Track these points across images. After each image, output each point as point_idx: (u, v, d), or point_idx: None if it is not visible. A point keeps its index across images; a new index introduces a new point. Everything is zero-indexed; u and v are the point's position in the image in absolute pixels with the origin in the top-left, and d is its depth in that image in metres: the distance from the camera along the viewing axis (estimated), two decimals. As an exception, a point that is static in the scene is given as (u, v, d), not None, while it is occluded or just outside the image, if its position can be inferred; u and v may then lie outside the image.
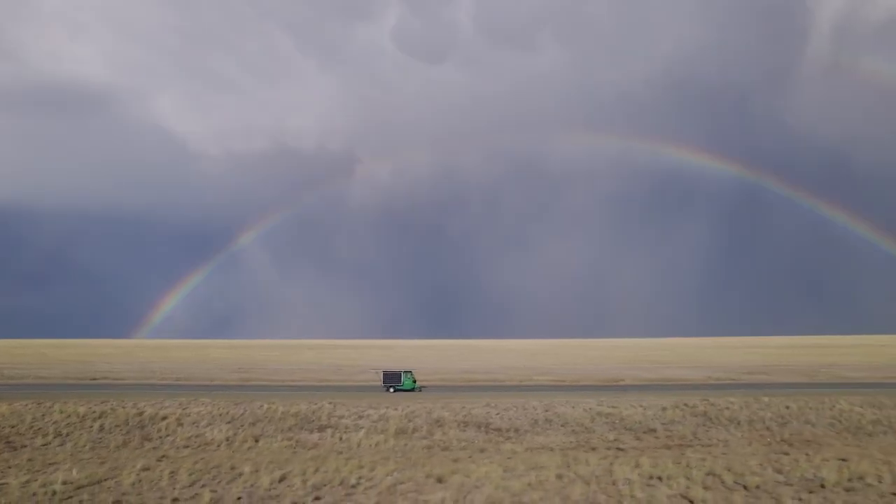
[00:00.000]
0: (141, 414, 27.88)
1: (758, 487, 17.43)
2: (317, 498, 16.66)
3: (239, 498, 16.66)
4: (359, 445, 24.46)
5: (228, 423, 27.47)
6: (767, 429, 26.94)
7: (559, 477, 18.29)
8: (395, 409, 29.07)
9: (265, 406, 29.67)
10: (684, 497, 16.12)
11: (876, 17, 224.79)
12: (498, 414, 28.67)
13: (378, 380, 44.75)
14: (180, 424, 26.96)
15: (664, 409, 29.35)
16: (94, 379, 50.63)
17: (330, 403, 30.42)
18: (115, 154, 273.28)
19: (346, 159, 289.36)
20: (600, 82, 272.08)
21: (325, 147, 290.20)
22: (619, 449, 23.71)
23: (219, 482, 18.33)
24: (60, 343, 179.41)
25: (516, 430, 26.63)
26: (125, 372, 58.07)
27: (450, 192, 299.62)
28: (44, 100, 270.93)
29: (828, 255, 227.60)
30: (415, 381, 42.40)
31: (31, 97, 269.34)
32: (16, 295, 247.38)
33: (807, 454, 22.47)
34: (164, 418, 27.56)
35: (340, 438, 25.46)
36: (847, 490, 17.24)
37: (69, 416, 27.29)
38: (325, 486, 17.85)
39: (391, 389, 40.74)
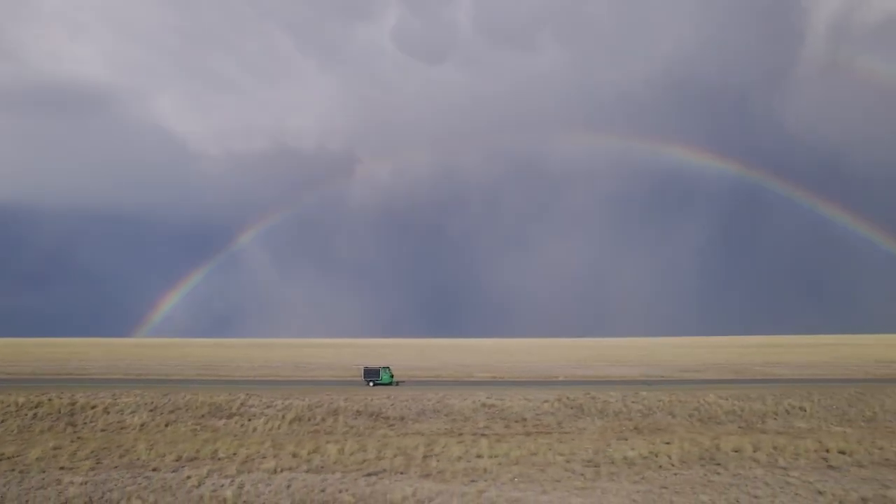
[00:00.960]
0: (73, 404, 31.82)
1: (611, 463, 21.11)
2: (182, 466, 20.50)
3: (116, 466, 20.53)
4: (254, 430, 28.36)
5: (150, 410, 31.39)
6: (629, 419, 30.63)
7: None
8: (302, 401, 32.88)
9: (188, 397, 33.57)
10: (498, 462, 19.87)
11: (872, 19, 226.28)
12: (393, 404, 32.43)
13: (359, 375, 48.67)
14: (106, 412, 30.90)
15: (545, 401, 33.05)
16: (59, 374, 54.70)
17: (246, 395, 34.27)
18: (115, 154, 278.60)
19: (346, 159, 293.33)
20: (600, 82, 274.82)
21: (324, 147, 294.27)
22: (483, 435, 27.41)
23: (111, 456, 22.22)
24: (58, 342, 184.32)
25: (401, 419, 30.44)
26: (93, 369, 62.18)
27: (450, 192, 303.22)
28: (44, 100, 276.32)
29: (827, 254, 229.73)
30: (392, 376, 46.25)
31: (31, 97, 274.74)
32: (16, 294, 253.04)
33: (644, 439, 26.12)
34: (93, 407, 31.51)
35: (242, 424, 29.36)
36: (637, 463, 20.97)
37: (8, 405, 31.26)
38: (196, 459, 21.71)
39: (371, 383, 44.56)
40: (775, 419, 30.88)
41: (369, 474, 19.31)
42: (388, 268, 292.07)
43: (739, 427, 29.60)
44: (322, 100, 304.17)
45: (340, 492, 16.99)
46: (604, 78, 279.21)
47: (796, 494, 17.18)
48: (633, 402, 33.32)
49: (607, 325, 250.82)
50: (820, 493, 17.31)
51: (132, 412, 31.00)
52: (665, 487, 18.25)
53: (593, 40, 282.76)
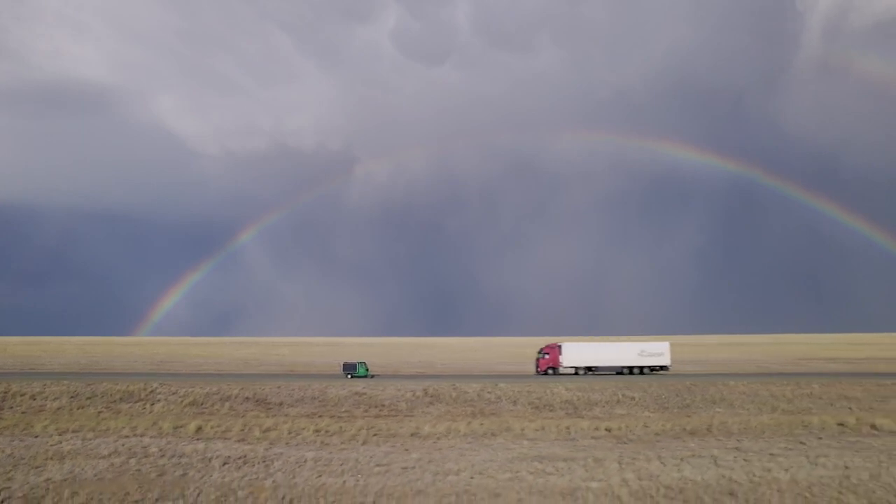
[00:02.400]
0: (7, 391, 38.27)
1: (394, 436, 27.16)
2: (60, 434, 26.80)
3: (10, 436, 26.89)
4: (150, 412, 34.67)
5: (71, 397, 37.83)
6: (472, 405, 36.73)
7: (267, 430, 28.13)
8: (203, 389, 39.20)
9: (107, 386, 39.98)
10: (317, 433, 26.09)
11: (866, 22, 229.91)
12: (279, 393, 38.69)
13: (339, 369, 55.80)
14: (32, 398, 37.37)
15: (412, 391, 39.17)
16: (23, 369, 61.45)
17: (159, 384, 40.64)
18: (115, 153, 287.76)
19: (345, 159, 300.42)
20: (597, 83, 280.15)
21: (324, 146, 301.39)
22: (338, 417, 33.56)
23: (13, 430, 28.56)
24: (55, 340, 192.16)
25: (280, 404, 36.70)
26: (54, 364, 69.01)
27: (448, 192, 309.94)
28: (45, 99, 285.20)
29: (826, 253, 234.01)
30: (367, 370, 52.72)
31: (32, 97, 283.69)
32: (16, 294, 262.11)
33: (470, 420, 32.09)
34: (23, 395, 37.96)
35: (143, 407, 35.74)
36: (441, 436, 27.08)
37: (-50, 391, 37.76)
38: (79, 431, 28.02)
39: (349, 376, 50.96)
40: (602, 407, 36.80)
41: (198, 439, 25.55)
42: (386, 267, 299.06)
43: (566, 413, 35.55)
44: (321, 100, 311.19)
45: (152, 447, 23.20)
46: (601, 78, 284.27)
47: (522, 452, 23.16)
48: (488, 392, 39.38)
49: (605, 323, 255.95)
50: (520, 454, 23.30)
51: (55, 398, 37.43)
52: (440, 450, 24.14)
53: (590, 42, 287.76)
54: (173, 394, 38.69)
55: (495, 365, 72.68)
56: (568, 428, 29.37)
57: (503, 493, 17.16)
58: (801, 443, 25.28)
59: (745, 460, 21.49)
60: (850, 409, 36.02)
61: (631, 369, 54.31)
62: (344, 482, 18.23)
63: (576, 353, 54.79)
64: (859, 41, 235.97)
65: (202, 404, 36.62)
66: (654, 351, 55.26)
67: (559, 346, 54.88)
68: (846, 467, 20.09)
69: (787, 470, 19.67)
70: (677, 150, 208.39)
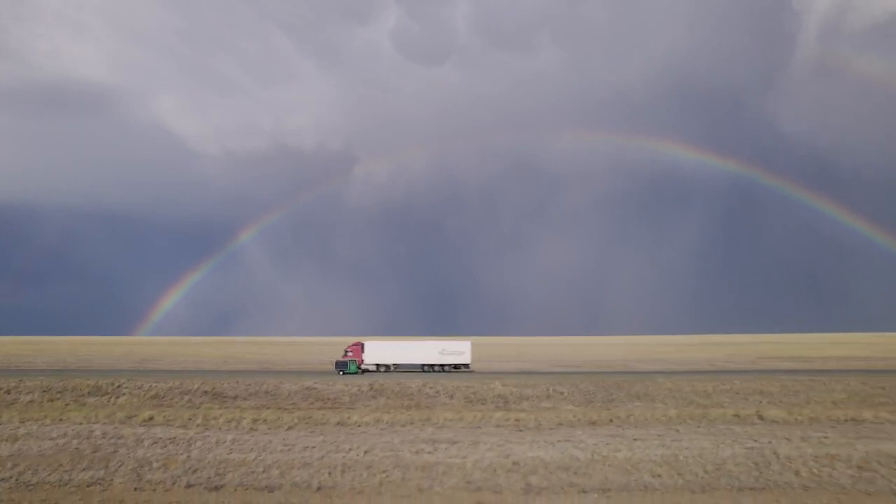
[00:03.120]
0: (-14, 385, 42.00)
1: (323, 424, 30.71)
2: (23, 422, 30.44)
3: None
4: (114, 404, 38.31)
5: (43, 391, 41.58)
6: (411, 399, 40.16)
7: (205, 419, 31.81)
8: (166, 384, 42.84)
9: (78, 381, 43.70)
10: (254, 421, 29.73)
11: (863, 23, 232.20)
12: (235, 387, 42.29)
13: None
14: (7, 393, 41.11)
15: (359, 386, 42.69)
16: (8, 367, 65.41)
17: (127, 380, 44.32)
18: (115, 153, 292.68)
19: (345, 159, 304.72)
20: (596, 83, 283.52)
21: (324, 146, 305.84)
22: (283, 408, 37.12)
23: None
24: (50, 340, 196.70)
25: (234, 398, 40.25)
26: (39, 362, 73.04)
27: (448, 191, 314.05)
28: (45, 99, 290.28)
29: (825, 253, 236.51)
30: (358, 366, 57.00)
31: (32, 97, 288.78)
32: (17, 293, 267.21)
33: (404, 411, 35.57)
34: None
35: (108, 400, 39.39)
36: (370, 424, 30.60)
37: (-65, 385, 41.59)
38: (45, 419, 31.66)
39: (341, 372, 55.06)
40: (532, 401, 40.20)
41: (144, 426, 29.17)
42: (386, 266, 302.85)
43: (496, 406, 38.98)
44: (321, 100, 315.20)
45: (98, 431, 26.80)
46: (600, 78, 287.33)
47: (432, 440, 26.65)
48: (430, 387, 42.86)
49: (605, 323, 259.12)
50: (417, 437, 26.77)
51: (28, 393, 41.17)
52: (351, 435, 27.65)
53: (590, 42, 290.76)
54: (138, 388, 42.35)
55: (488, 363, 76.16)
56: (482, 418, 32.84)
57: (374, 464, 20.69)
58: (677, 430, 28.67)
59: (609, 443, 24.91)
60: (759, 402, 39.28)
61: (432, 367, 57.57)
62: (245, 457, 21.80)
63: (378, 351, 58.42)
64: (856, 41, 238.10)
65: (163, 397, 40.26)
66: (454, 350, 58.30)
67: (362, 345, 58.57)
68: (687, 448, 23.49)
69: (632, 451, 23.09)
70: (677, 150, 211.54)
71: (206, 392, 41.67)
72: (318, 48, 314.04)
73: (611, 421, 32.49)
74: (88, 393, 41.49)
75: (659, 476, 19.56)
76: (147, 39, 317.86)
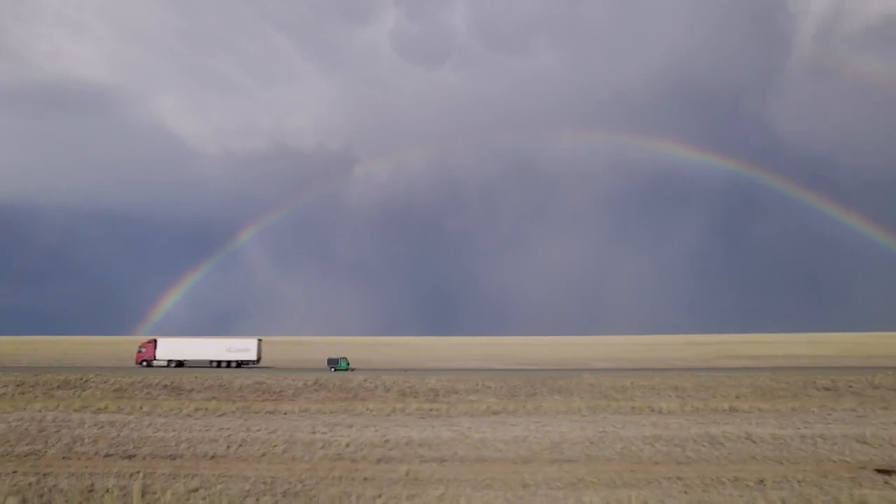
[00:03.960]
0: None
1: (256, 412, 34.91)
2: (-9, 411, 34.76)
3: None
4: (79, 396, 42.60)
5: (17, 385, 45.95)
6: (349, 392, 44.32)
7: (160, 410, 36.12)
8: (129, 379, 47.14)
9: (49, 377, 48.07)
10: (196, 410, 34.01)
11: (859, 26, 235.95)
12: (192, 381, 46.58)
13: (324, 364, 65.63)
14: (-14, 385, 45.41)
15: (304, 381, 46.92)
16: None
17: (95, 375, 48.67)
18: (115, 153, 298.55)
19: (345, 159, 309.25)
20: (594, 83, 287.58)
21: (324, 146, 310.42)
22: (229, 399, 41.35)
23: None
24: (45, 340, 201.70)
25: (190, 391, 44.52)
26: (25, 360, 77.68)
27: (447, 192, 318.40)
28: (45, 99, 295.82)
29: (824, 253, 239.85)
30: (348, 364, 62.27)
31: (32, 97, 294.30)
32: (17, 294, 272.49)
33: (339, 402, 39.73)
34: (-22, 382, 46.05)
35: (74, 393, 43.68)
36: (312, 411, 34.80)
37: (-81, 379, 46.03)
38: (10, 408, 35.98)
39: (333, 369, 60.15)
40: (460, 394, 44.30)
41: (94, 413, 33.42)
42: (386, 266, 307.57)
43: (427, 399, 43.09)
44: (321, 100, 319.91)
45: (49, 416, 31.08)
46: (598, 79, 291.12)
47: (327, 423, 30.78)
48: (369, 382, 47.06)
49: (605, 323, 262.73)
50: (324, 422, 30.93)
51: (3, 386, 45.55)
52: (270, 420, 31.85)
53: (587, 43, 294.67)
54: (104, 382, 46.72)
55: (452, 362, 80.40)
56: (403, 408, 37.01)
57: (269, 440, 24.88)
58: (569, 418, 32.76)
59: (491, 427, 29.02)
60: (668, 396, 43.29)
61: (219, 362, 63.97)
62: (165, 435, 26.04)
63: (170, 347, 64.06)
64: (850, 43, 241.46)
65: (125, 390, 44.59)
66: (241, 347, 65.11)
67: (155, 341, 64.47)
68: (550, 431, 27.61)
69: (497, 432, 27.22)
70: (677, 150, 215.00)
71: (165, 386, 45.98)
72: (318, 49, 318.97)
73: (516, 410, 36.61)
74: (58, 386, 45.85)
75: (500, 451, 23.67)
76: (147, 39, 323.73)
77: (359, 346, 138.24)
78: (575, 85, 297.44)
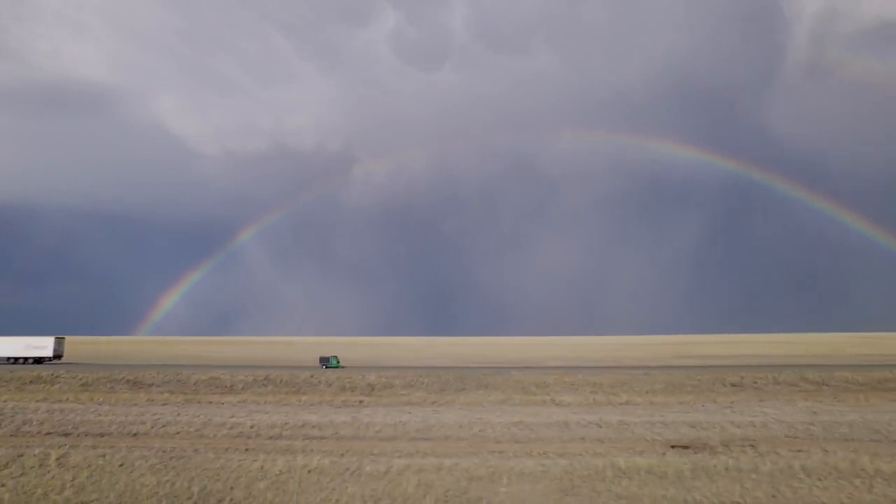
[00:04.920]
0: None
1: (198, 403, 39.65)
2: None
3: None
4: (49, 390, 47.43)
5: (-5, 380, 50.72)
6: (294, 386, 49.01)
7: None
8: (96, 374, 51.99)
9: (25, 373, 52.90)
10: (147, 401, 38.80)
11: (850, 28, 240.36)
12: (154, 377, 51.36)
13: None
14: (-35, 380, 50.33)
15: (255, 376, 51.68)
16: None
17: (65, 371, 53.54)
18: (115, 153, 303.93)
19: (344, 159, 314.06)
20: (593, 84, 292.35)
21: (323, 147, 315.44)
22: (181, 392, 46.11)
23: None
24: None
25: (150, 385, 49.31)
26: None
27: (446, 192, 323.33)
28: (45, 99, 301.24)
29: (823, 253, 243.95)
30: (339, 362, 68.08)
31: (32, 97, 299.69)
32: (17, 294, 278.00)
33: (284, 394, 44.42)
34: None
35: (44, 387, 48.54)
36: (218, 403, 39.54)
37: None
38: (-20, 399, 40.81)
39: (324, 367, 65.57)
40: (395, 388, 48.95)
41: (53, 403, 38.20)
42: (385, 266, 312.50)
43: (362, 392, 47.76)
44: (321, 100, 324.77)
45: (9, 406, 35.85)
46: (596, 79, 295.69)
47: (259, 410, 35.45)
48: (316, 378, 51.77)
49: (604, 323, 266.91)
50: (252, 409, 35.60)
51: (-18, 380, 50.44)
52: (206, 408, 36.52)
53: (586, 44, 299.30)
54: (73, 378, 51.57)
55: (454, 360, 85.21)
56: (332, 399, 41.73)
57: (190, 422, 29.59)
58: (481, 406, 37.41)
59: (385, 414, 33.67)
60: (580, 391, 47.84)
61: (17, 359, 73.82)
62: (103, 419, 30.80)
63: None
64: (845, 46, 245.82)
65: (91, 385, 49.41)
66: (38, 345, 74.98)
67: None
68: (446, 418, 32.26)
69: (402, 419, 31.92)
70: (677, 150, 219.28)
71: (128, 381, 50.81)
72: (317, 49, 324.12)
73: (435, 402, 41.27)
74: (30, 381, 50.73)
75: (376, 432, 28.31)
76: (147, 39, 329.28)
77: (358, 347, 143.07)
78: (574, 85, 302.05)
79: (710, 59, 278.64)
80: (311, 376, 52.61)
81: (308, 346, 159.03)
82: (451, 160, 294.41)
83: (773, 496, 17.50)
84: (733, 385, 50.45)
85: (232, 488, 17.90)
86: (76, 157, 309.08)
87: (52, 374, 52.61)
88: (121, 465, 20.59)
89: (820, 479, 19.36)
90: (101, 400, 40.30)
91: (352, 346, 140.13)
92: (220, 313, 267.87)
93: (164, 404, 38.40)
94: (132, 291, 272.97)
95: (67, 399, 40.79)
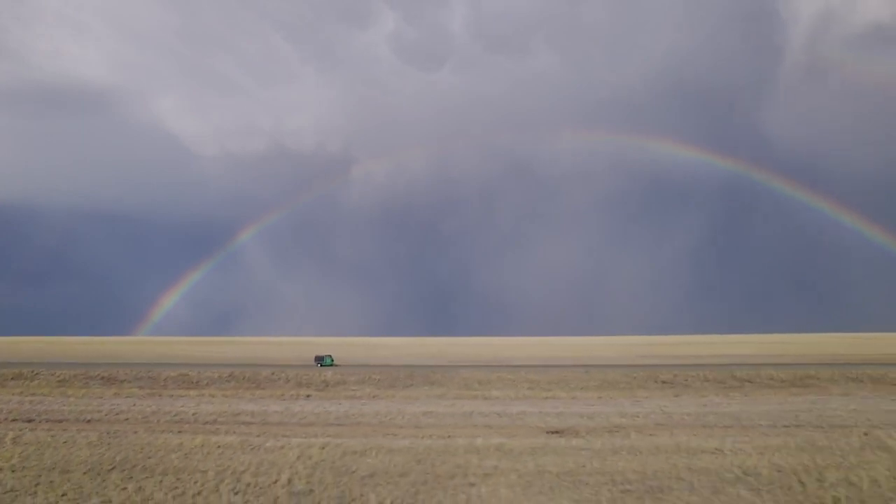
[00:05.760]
0: (-64, 371, 55.91)
1: (159, 396, 44.18)
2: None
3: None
4: (28, 385, 51.96)
5: (-20, 376, 55.30)
6: (256, 382, 53.45)
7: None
8: (73, 371, 56.54)
9: (4, 370, 57.49)
10: (114, 394, 43.34)
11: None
12: (128, 374, 55.86)
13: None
14: (-48, 376, 54.93)
15: (220, 373, 56.15)
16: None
17: (45, 368, 58.07)
18: (115, 153, 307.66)
19: (344, 160, 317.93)
20: (592, 84, 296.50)
21: (323, 147, 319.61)
22: (148, 387, 50.59)
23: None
24: (50, 340, 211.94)
25: (122, 382, 53.81)
26: None
27: (446, 192, 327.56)
28: (45, 99, 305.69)
29: (822, 253, 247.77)
30: (332, 360, 73.03)
31: (32, 97, 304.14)
32: (17, 293, 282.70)
33: (238, 391, 48.86)
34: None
35: (23, 383, 53.08)
36: (179, 395, 44.04)
37: None
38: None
39: (319, 364, 70.34)
40: (347, 384, 53.35)
41: (26, 396, 42.69)
42: (385, 266, 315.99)
43: (317, 388, 52.14)
44: (321, 101, 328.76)
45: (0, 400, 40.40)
46: (596, 79, 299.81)
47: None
48: (276, 375, 56.19)
49: (604, 323, 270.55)
50: (204, 401, 40.03)
51: (-32, 376, 55.00)
52: (166, 400, 40.94)
53: (586, 44, 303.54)
54: (51, 375, 56.11)
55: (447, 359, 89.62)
56: (282, 394, 46.17)
57: (140, 411, 34.05)
58: (416, 399, 41.79)
59: (317, 405, 38.06)
60: (516, 387, 52.15)
61: None
62: (63, 409, 35.26)
63: None
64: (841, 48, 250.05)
65: (67, 381, 53.95)
66: None
67: None
68: (352, 409, 36.65)
69: (330, 409, 36.30)
70: (677, 150, 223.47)
71: (103, 378, 55.32)
72: (317, 50, 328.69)
73: (376, 396, 45.66)
74: (12, 378, 55.27)
75: (300, 419, 32.73)
76: (147, 40, 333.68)
77: (355, 347, 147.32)
78: (574, 85, 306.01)
79: (709, 59, 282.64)
80: (272, 373, 57.06)
81: (308, 346, 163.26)
82: (451, 160, 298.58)
83: (596, 466, 21.76)
84: (664, 382, 54.67)
85: (149, 458, 22.30)
86: (76, 157, 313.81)
87: (32, 372, 57.15)
88: (65, 443, 25.02)
89: (637, 455, 23.67)
90: (72, 394, 44.79)
91: (351, 347, 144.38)
92: (219, 313, 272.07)
93: (128, 397, 42.89)
94: (132, 292, 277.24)
95: (42, 393, 45.30)
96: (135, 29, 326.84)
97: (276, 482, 18.93)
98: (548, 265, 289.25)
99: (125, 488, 18.23)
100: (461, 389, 50.63)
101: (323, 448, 24.09)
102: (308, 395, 45.79)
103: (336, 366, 70.50)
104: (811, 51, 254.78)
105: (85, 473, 20.05)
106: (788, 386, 52.45)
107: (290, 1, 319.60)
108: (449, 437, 27.19)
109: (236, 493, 17.82)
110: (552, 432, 29.29)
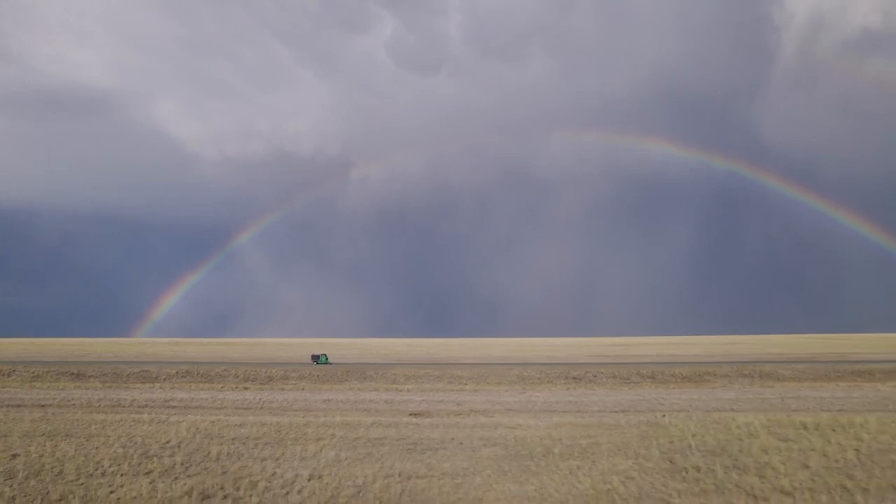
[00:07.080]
0: (-74, 367, 63.52)
1: (127, 388, 51.59)
2: (-66, 386, 51.74)
3: None
4: (6, 381, 59.44)
5: (-35, 372, 62.89)
6: (208, 377, 60.75)
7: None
8: (48, 369, 64.09)
9: (-9, 366, 65.07)
10: (76, 387, 50.80)
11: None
12: (99, 369, 63.36)
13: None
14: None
15: (184, 371, 63.56)
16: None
17: (23, 366, 65.61)
18: (116, 157, 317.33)
19: (341, 164, 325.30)
20: (585, 91, 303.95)
21: (321, 151, 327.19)
22: (109, 381, 58.01)
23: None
24: (48, 341, 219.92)
25: (89, 377, 61.26)
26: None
27: (441, 196, 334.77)
28: (47, 104, 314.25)
29: (813, 255, 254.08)
30: (327, 359, 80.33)
31: (34, 101, 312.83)
32: (17, 294, 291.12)
33: (192, 385, 56.15)
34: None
35: (1, 379, 60.61)
36: (136, 388, 51.48)
37: None
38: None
39: (315, 363, 77.59)
40: (290, 380, 60.58)
41: (7, 389, 50.14)
42: (382, 269, 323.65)
43: (260, 383, 59.41)
44: (318, 106, 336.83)
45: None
46: (589, 86, 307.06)
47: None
48: (227, 372, 63.52)
49: (597, 325, 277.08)
50: (166, 394, 47.38)
51: (-46, 372, 62.54)
52: (123, 393, 48.30)
53: (579, 52, 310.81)
54: (27, 371, 63.61)
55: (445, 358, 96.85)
56: (225, 387, 53.48)
57: (90, 399, 41.38)
58: (345, 391, 48.99)
59: (246, 395, 45.27)
60: (437, 381, 59.27)
61: None
62: (27, 398, 42.62)
63: None
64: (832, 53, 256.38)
65: (40, 376, 61.41)
66: None
67: None
68: (272, 399, 43.87)
69: (244, 395, 43.54)
70: (666, 155, 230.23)
71: (72, 374, 62.76)
72: (315, 56, 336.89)
73: (305, 388, 52.88)
74: (3, 375, 62.81)
75: (220, 405, 39.98)
76: (148, 45, 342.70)
77: (354, 347, 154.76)
78: (568, 92, 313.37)
79: (700, 64, 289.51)
80: (225, 370, 64.40)
81: (309, 346, 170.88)
82: (447, 165, 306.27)
83: (407, 434, 28.86)
84: (574, 378, 61.68)
85: (72, 428, 29.57)
86: (77, 160, 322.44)
87: (10, 368, 64.68)
88: (13, 419, 32.35)
89: (452, 428, 30.80)
90: (39, 386, 52.23)
91: (350, 347, 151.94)
92: (218, 314, 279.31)
93: (87, 389, 50.32)
94: (132, 293, 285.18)
95: (14, 386, 52.77)
96: (136, 35, 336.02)
97: (157, 442, 26.17)
98: (542, 268, 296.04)
99: (44, 445, 25.50)
100: (388, 383, 57.76)
101: (213, 423, 31.32)
102: (246, 388, 53.08)
103: (330, 364, 77.25)
104: (804, 55, 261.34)
105: (20, 438, 27.35)
106: (681, 381, 59.40)
107: (288, 8, 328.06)
108: (316, 416, 34.39)
109: (123, 448, 25.05)
110: (413, 414, 36.44)
